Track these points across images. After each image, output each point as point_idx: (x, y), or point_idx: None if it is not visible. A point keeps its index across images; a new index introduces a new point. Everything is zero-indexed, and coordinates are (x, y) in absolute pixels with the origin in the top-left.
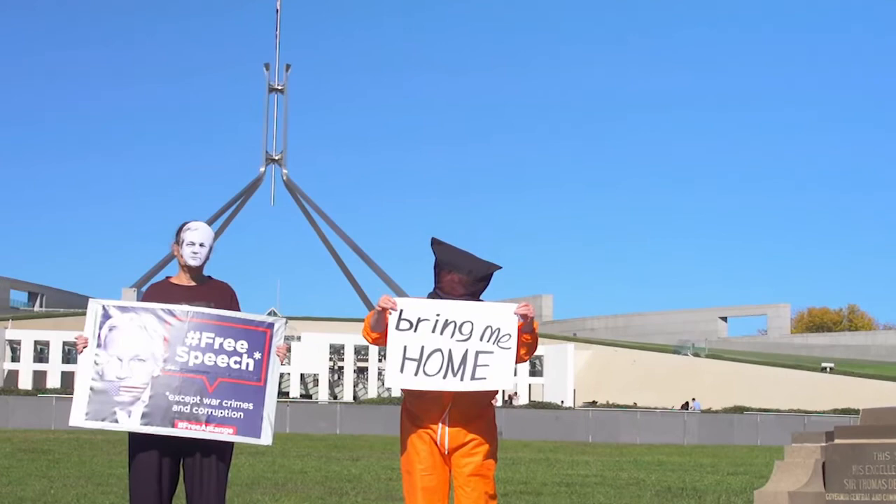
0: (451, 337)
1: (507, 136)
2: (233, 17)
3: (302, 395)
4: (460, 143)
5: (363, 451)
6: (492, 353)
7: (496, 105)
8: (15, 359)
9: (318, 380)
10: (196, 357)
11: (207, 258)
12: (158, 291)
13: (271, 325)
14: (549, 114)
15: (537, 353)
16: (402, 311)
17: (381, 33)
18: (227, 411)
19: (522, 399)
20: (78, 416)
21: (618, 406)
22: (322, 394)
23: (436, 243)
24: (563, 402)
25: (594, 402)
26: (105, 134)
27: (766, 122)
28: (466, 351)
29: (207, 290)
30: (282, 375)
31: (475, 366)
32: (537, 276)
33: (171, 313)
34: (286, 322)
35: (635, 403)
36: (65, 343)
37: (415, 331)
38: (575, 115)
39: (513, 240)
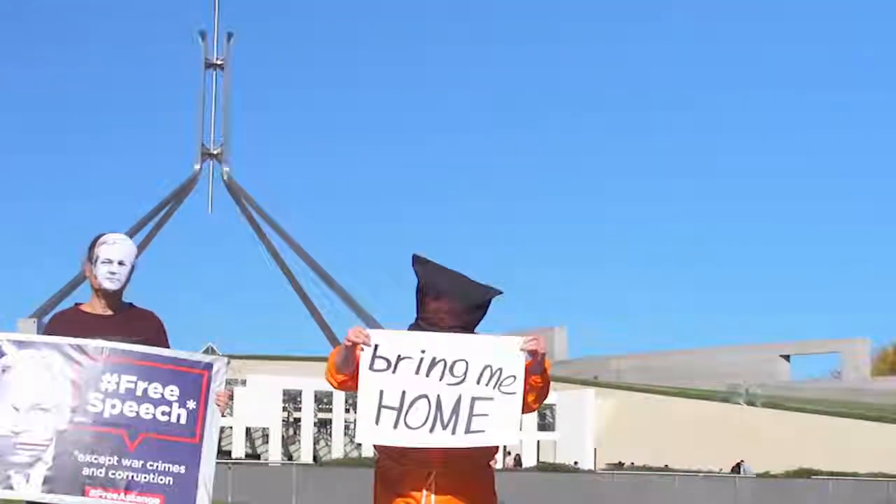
0: (440, 379)
1: (510, 129)
2: None
3: (248, 455)
4: (451, 136)
5: None
6: (492, 399)
7: (494, 88)
8: None
9: (268, 435)
10: (113, 406)
11: (128, 280)
12: (65, 322)
13: (209, 367)
14: (561, 100)
15: (548, 400)
16: (377, 346)
17: None
18: (152, 475)
19: (528, 460)
20: None
21: (650, 469)
22: (274, 453)
23: (418, 262)
24: (579, 463)
25: (620, 464)
26: None
27: (844, 111)
28: (460, 397)
29: (128, 321)
30: (222, 429)
31: (471, 415)
32: (547, 304)
33: (81, 350)
34: (228, 362)
35: (666, 466)
36: None
37: (393, 371)
38: (593, 103)
39: (516, 258)
